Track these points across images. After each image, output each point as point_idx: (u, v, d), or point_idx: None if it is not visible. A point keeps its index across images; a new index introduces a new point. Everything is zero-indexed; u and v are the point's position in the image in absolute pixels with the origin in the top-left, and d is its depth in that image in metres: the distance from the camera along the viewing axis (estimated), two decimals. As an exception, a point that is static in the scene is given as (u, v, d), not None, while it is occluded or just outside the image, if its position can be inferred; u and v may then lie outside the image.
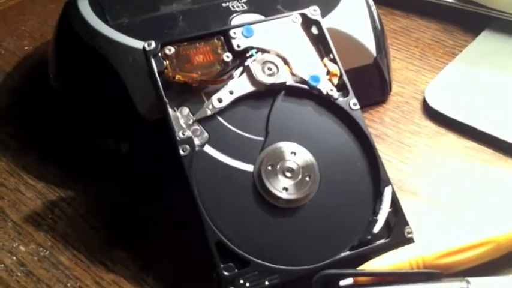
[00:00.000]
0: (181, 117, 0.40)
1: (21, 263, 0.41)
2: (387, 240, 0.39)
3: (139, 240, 0.42)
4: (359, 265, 0.37)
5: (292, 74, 0.42)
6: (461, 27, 0.60)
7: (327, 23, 0.45)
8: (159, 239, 0.42)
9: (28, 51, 0.61)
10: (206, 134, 0.40)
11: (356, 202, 0.40)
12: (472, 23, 0.60)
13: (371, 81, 0.51)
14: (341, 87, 0.43)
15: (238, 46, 0.42)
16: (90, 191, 0.46)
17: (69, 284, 0.40)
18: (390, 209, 0.40)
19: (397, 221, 0.39)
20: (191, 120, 0.40)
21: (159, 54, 0.41)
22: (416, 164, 0.47)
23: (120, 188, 0.46)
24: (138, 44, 0.44)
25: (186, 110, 0.40)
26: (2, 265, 0.41)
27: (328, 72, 0.43)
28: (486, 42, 0.57)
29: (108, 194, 0.46)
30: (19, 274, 0.40)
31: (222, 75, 0.41)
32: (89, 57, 0.46)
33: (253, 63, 0.42)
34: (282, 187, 0.39)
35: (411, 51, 0.58)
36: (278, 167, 0.40)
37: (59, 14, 0.52)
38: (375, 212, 0.40)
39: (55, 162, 0.48)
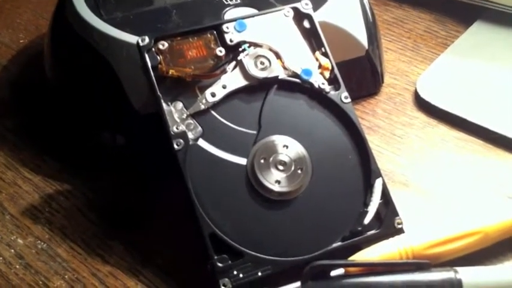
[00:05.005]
0: (175, 112, 0.40)
1: (20, 256, 0.42)
2: (378, 231, 0.39)
3: (135, 233, 0.43)
4: (350, 255, 0.38)
5: (285, 68, 0.43)
6: (454, 18, 0.60)
7: (318, 16, 0.45)
8: (156, 231, 0.43)
9: (23, 44, 0.61)
10: (200, 128, 0.40)
11: (347, 194, 0.41)
12: (464, 13, 0.60)
13: (363, 73, 0.51)
14: (332, 81, 0.43)
15: (231, 41, 0.43)
16: (87, 184, 0.46)
17: (66, 276, 0.40)
18: (381, 201, 0.40)
19: (388, 212, 0.40)
20: (185, 115, 0.40)
21: (153, 49, 0.41)
22: (407, 156, 0.47)
23: (116, 181, 0.46)
24: (132, 38, 0.44)
25: (179, 105, 0.41)
26: (1, 258, 0.41)
27: (320, 66, 0.43)
28: (478, 33, 0.58)
29: (104, 187, 0.46)
30: (17, 267, 0.41)
31: (215, 70, 0.42)
32: (83, 51, 0.47)
33: (246, 58, 0.42)
34: (275, 180, 0.40)
35: (404, 42, 0.58)
36: (271, 160, 0.40)
37: (53, 6, 0.52)
38: (366, 204, 0.40)
39: (52, 155, 0.48)
